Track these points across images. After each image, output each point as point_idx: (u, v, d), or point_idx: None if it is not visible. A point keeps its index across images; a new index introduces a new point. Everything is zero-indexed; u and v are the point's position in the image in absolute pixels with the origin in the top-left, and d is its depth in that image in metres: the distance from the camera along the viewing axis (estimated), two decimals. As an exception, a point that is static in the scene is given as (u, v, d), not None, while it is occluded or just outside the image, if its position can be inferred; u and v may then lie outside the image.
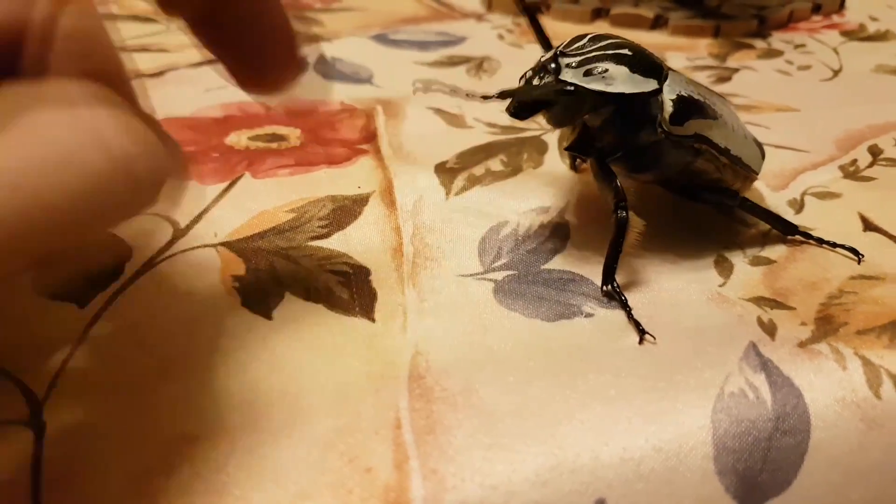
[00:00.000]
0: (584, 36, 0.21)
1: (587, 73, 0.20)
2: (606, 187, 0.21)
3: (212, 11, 0.16)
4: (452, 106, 0.31)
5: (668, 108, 0.21)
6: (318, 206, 0.24)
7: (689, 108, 0.21)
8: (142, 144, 0.13)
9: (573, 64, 0.20)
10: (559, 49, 0.21)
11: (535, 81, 0.20)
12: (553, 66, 0.20)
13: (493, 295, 0.21)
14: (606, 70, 0.20)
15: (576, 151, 0.22)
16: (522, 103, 0.20)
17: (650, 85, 0.20)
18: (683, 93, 0.21)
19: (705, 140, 0.21)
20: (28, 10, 0.15)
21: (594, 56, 0.20)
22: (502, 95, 0.19)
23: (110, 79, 0.16)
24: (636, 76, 0.20)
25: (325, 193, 0.25)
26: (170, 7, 0.16)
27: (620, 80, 0.20)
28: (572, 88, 0.19)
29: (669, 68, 0.22)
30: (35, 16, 0.15)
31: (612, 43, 0.21)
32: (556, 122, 0.22)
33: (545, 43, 0.22)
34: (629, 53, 0.20)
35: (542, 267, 0.22)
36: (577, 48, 0.20)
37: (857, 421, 0.17)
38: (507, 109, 0.21)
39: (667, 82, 0.21)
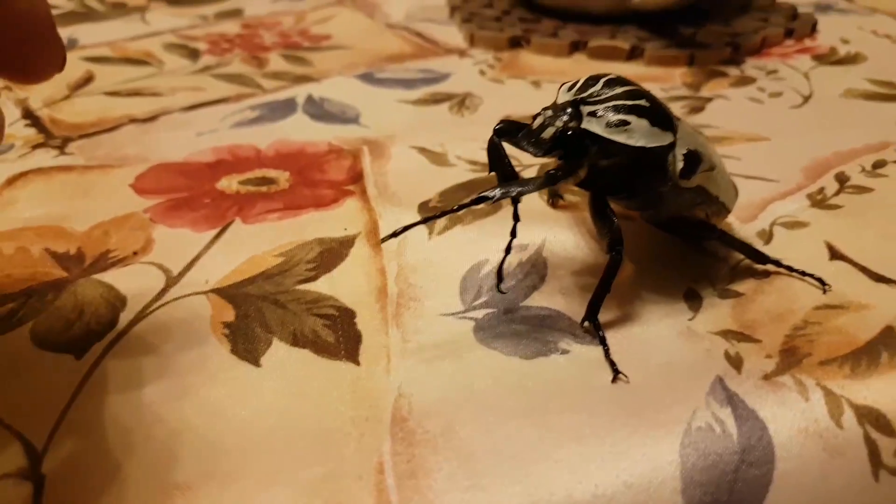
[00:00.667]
0: (598, 79, 0.21)
1: (609, 125, 0.20)
2: (605, 227, 0.22)
3: None
4: (435, 144, 0.32)
5: (679, 162, 0.21)
6: (305, 249, 0.25)
7: (696, 162, 0.22)
8: None
9: (597, 113, 0.20)
10: (577, 94, 0.21)
11: (558, 123, 0.20)
12: (571, 111, 0.21)
13: (473, 333, 0.22)
14: (628, 123, 0.20)
15: (579, 186, 0.23)
16: (540, 141, 0.20)
17: (668, 139, 0.21)
18: (692, 147, 0.22)
19: (704, 191, 0.23)
20: None
21: (614, 106, 0.20)
22: (548, 181, 0.20)
23: None
24: (656, 129, 0.21)
25: (313, 236, 0.26)
26: None
27: (641, 134, 0.20)
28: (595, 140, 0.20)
29: (676, 117, 0.23)
30: None
31: (628, 91, 0.21)
32: (567, 163, 0.22)
33: (508, 172, 0.22)
34: (648, 105, 0.21)
35: (521, 304, 0.23)
36: (595, 94, 0.21)
37: (819, 451, 0.18)
38: (526, 147, 0.21)
39: (678, 135, 0.22)
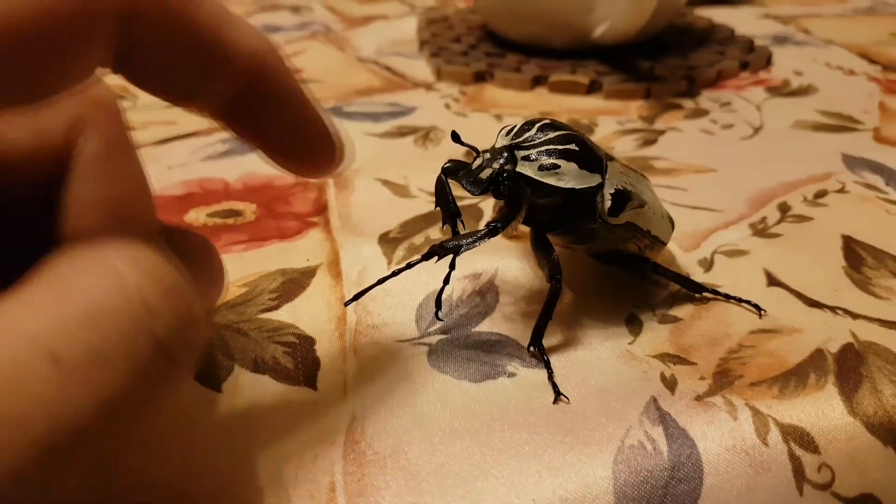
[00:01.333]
0: (534, 124, 0.23)
1: (541, 168, 0.22)
2: (544, 259, 0.23)
3: (235, 107, 0.16)
4: (399, 177, 0.34)
5: (607, 201, 0.23)
6: (268, 279, 0.27)
7: (623, 201, 0.23)
8: (176, 309, 0.14)
9: (530, 157, 0.22)
10: (513, 139, 0.23)
11: (495, 165, 0.22)
12: (507, 154, 0.22)
13: (426, 358, 0.23)
14: (559, 166, 0.22)
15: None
16: (478, 181, 0.22)
17: (595, 180, 0.23)
18: (619, 186, 0.23)
19: (634, 227, 0.24)
20: (46, 134, 0.16)
21: (546, 150, 0.22)
22: (495, 229, 0.22)
23: (131, 203, 0.17)
24: (584, 171, 0.22)
25: (276, 267, 0.27)
26: (190, 103, 0.16)
27: (570, 176, 0.22)
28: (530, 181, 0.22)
29: (607, 156, 0.24)
30: (52, 140, 0.16)
31: (560, 136, 0.22)
32: (506, 212, 0.23)
33: (451, 209, 0.24)
34: (577, 149, 0.22)
35: (473, 329, 0.24)
36: (529, 139, 0.22)
37: (745, 466, 0.20)
38: (465, 185, 0.22)
39: (607, 175, 0.23)
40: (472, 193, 0.22)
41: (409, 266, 0.22)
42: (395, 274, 0.22)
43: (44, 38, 0.13)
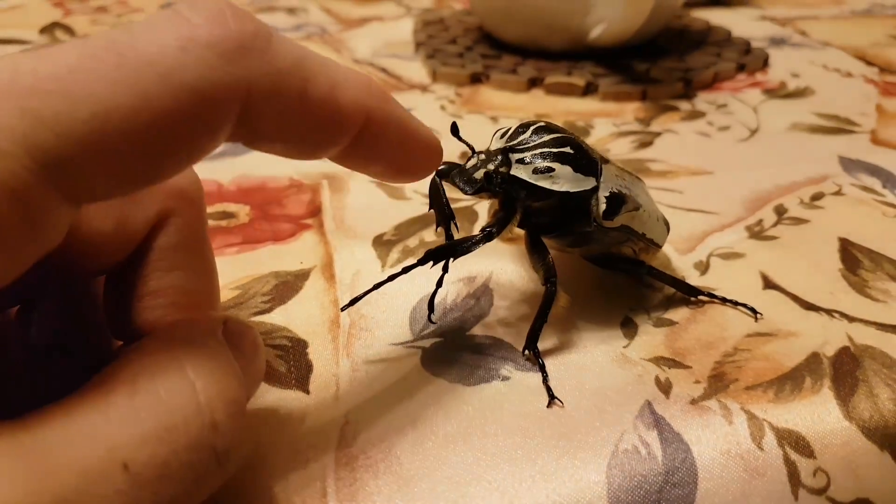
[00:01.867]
0: (528, 126, 0.23)
1: (536, 171, 0.22)
2: (539, 262, 0.23)
3: (347, 152, 0.17)
4: (393, 178, 0.34)
5: (602, 204, 0.23)
6: (261, 282, 0.26)
7: (618, 204, 0.23)
8: (236, 422, 0.15)
9: (524, 160, 0.22)
10: (507, 141, 0.23)
11: (489, 166, 0.22)
12: (501, 157, 0.22)
13: (420, 362, 0.23)
14: (553, 170, 0.22)
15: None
16: (472, 180, 0.22)
17: (589, 183, 0.22)
18: (615, 189, 0.23)
19: (629, 230, 0.24)
20: (130, 226, 0.17)
21: (541, 153, 0.22)
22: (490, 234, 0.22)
23: (202, 295, 0.18)
24: (579, 175, 0.22)
25: (269, 270, 0.27)
26: (306, 159, 0.17)
27: (565, 179, 0.22)
28: (525, 185, 0.22)
29: (603, 159, 0.24)
30: (134, 232, 0.17)
31: (555, 139, 0.22)
32: (501, 217, 0.23)
33: (446, 211, 0.24)
34: (572, 152, 0.22)
35: (467, 333, 0.24)
36: (524, 141, 0.22)
37: (740, 471, 0.19)
38: (458, 184, 0.22)
39: (602, 178, 0.23)
40: (466, 192, 0.22)
41: (405, 271, 0.22)
42: (390, 279, 0.22)
43: (170, 131, 0.13)
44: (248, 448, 0.16)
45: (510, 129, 0.23)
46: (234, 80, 0.14)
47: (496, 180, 0.22)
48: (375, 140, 0.17)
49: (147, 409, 0.13)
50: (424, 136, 0.18)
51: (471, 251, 0.22)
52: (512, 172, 0.22)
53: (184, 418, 0.14)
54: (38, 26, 0.58)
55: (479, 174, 0.22)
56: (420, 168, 0.19)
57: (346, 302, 0.22)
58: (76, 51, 0.13)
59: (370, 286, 0.26)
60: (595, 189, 0.23)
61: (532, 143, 0.22)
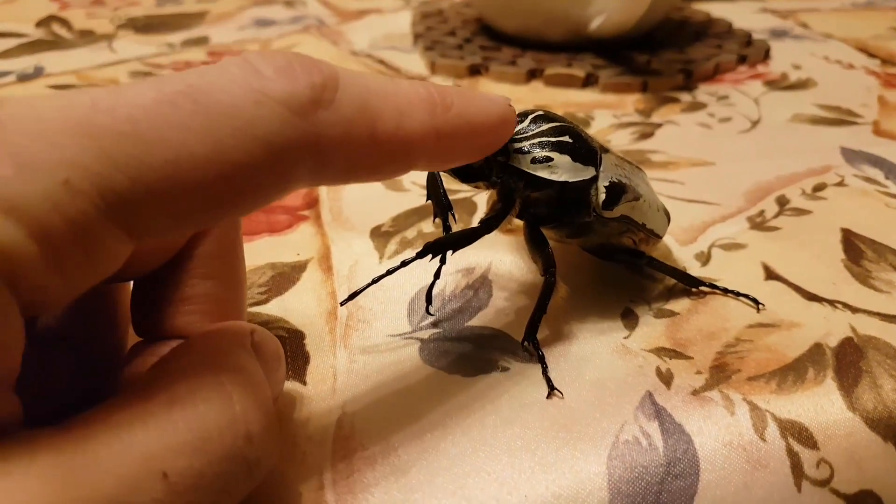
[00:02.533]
0: (526, 115, 0.22)
1: (534, 160, 0.21)
2: (538, 253, 0.23)
3: (428, 163, 0.17)
4: (391, 169, 0.33)
5: (602, 194, 0.22)
6: (258, 273, 0.26)
7: (618, 193, 0.23)
8: (269, 434, 0.15)
9: (523, 149, 0.21)
10: None
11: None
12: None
13: (419, 353, 0.23)
14: (552, 159, 0.21)
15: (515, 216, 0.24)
16: (469, 170, 0.22)
17: (589, 173, 0.22)
18: (614, 178, 0.23)
19: (629, 220, 0.24)
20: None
21: (539, 142, 0.21)
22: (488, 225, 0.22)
23: (235, 302, 0.19)
24: (578, 164, 0.22)
25: (266, 261, 0.27)
26: (387, 178, 0.17)
27: (564, 169, 0.21)
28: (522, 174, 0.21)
29: (602, 148, 0.24)
30: (177, 242, 0.18)
31: (553, 128, 0.22)
32: (498, 196, 0.23)
33: (443, 202, 0.23)
34: (571, 141, 0.22)
35: (466, 324, 0.24)
36: (522, 130, 0.22)
37: (742, 462, 0.19)
38: (455, 175, 0.22)
39: (601, 167, 0.23)
40: (463, 182, 0.22)
41: (404, 264, 0.21)
42: (388, 273, 0.21)
43: (240, 181, 0.13)
44: (276, 457, 0.15)
45: (509, 100, 0.23)
46: (305, 135, 0.14)
47: (494, 170, 0.21)
48: (448, 145, 0.17)
49: (185, 420, 0.13)
50: (493, 113, 0.18)
51: (470, 243, 0.22)
52: (510, 162, 0.21)
53: (219, 429, 0.14)
54: (35, 19, 0.57)
55: (476, 164, 0.21)
56: (495, 144, 0.19)
57: (346, 296, 0.22)
58: (152, 93, 0.13)
59: (368, 278, 0.26)
60: (594, 179, 0.22)
61: (530, 133, 0.22)
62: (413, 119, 0.16)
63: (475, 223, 0.29)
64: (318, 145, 0.14)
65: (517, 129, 0.22)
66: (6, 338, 0.12)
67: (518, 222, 0.24)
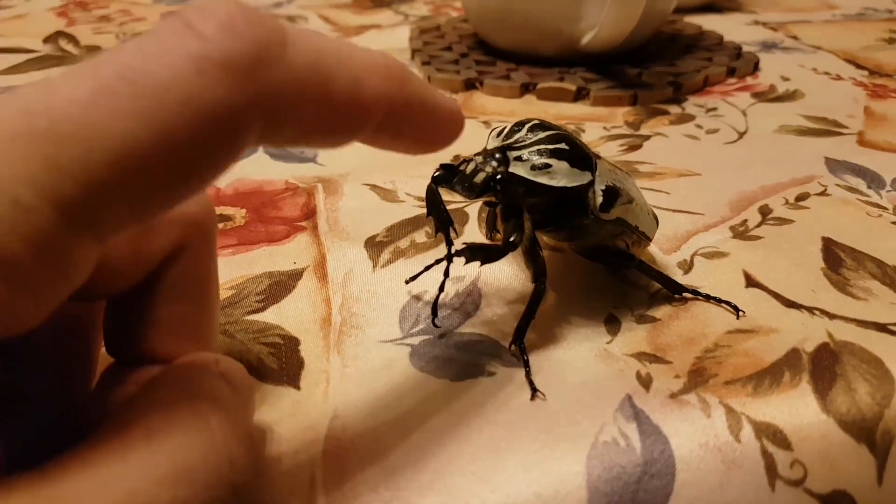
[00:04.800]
0: (524, 124, 0.23)
1: (533, 168, 0.22)
2: (531, 260, 0.23)
3: (375, 133, 0.17)
4: (387, 181, 0.34)
5: (599, 197, 0.23)
6: (255, 282, 0.27)
7: (614, 196, 0.24)
8: (251, 456, 0.15)
9: (522, 157, 0.22)
10: (504, 140, 0.23)
11: (488, 168, 0.22)
12: (499, 156, 0.23)
13: (409, 358, 0.23)
14: (550, 165, 0.22)
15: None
16: (473, 186, 0.22)
17: (586, 178, 0.23)
18: (610, 183, 0.24)
19: (624, 222, 0.25)
20: (145, 255, 0.17)
21: (537, 150, 0.22)
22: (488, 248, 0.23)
23: (206, 325, 0.19)
24: (575, 170, 0.23)
25: (263, 270, 0.28)
26: (334, 145, 0.17)
27: (562, 175, 0.22)
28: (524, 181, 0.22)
29: (596, 155, 0.25)
30: (148, 262, 0.17)
31: (550, 136, 0.23)
32: (514, 224, 0.24)
33: (444, 217, 0.24)
34: (567, 148, 0.23)
35: (456, 330, 0.25)
36: (520, 139, 0.23)
37: (717, 463, 0.20)
38: (460, 191, 0.23)
39: (597, 172, 0.24)
40: (467, 198, 0.22)
41: (438, 262, 0.22)
42: (437, 262, 0.23)
43: (191, 157, 0.13)
44: (258, 480, 0.16)
45: (506, 127, 0.24)
46: (253, 98, 0.13)
47: (496, 182, 0.22)
48: (399, 121, 0.16)
49: (165, 452, 0.13)
50: (446, 108, 0.18)
51: (498, 259, 0.23)
52: (510, 170, 0.22)
53: (202, 457, 0.14)
54: (42, 35, 0.59)
55: (480, 178, 0.22)
56: (444, 138, 0.18)
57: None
58: (87, 83, 0.12)
59: (362, 286, 0.27)
60: (591, 183, 0.23)
61: (528, 141, 0.23)
62: (368, 84, 0.15)
63: (468, 234, 0.30)
64: (267, 106, 0.13)
65: (516, 137, 0.23)
66: None
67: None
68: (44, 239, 0.12)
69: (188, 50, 0.12)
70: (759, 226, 0.31)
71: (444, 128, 0.18)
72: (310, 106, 0.14)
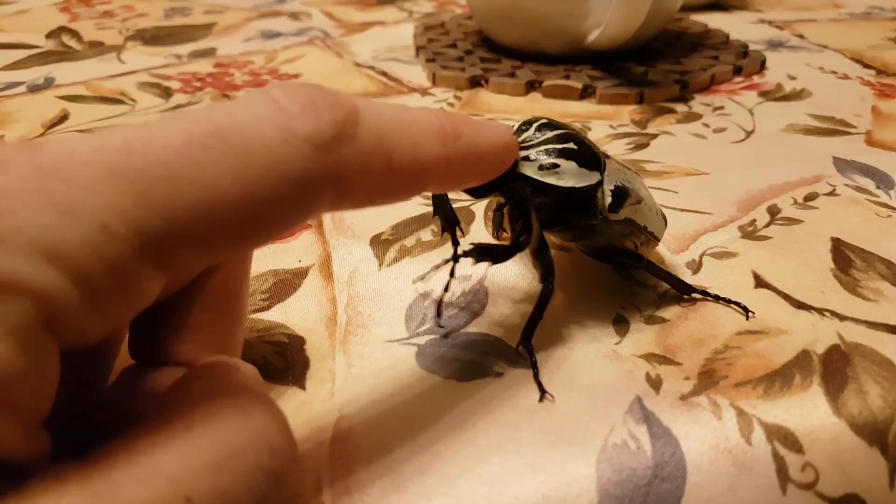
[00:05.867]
0: (531, 124, 0.23)
1: (541, 168, 0.22)
2: (539, 260, 0.23)
3: (436, 186, 0.18)
4: (391, 179, 0.34)
5: (608, 197, 0.23)
6: (260, 280, 0.27)
7: (623, 196, 0.23)
8: (291, 445, 0.15)
9: (529, 157, 0.22)
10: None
11: None
12: None
13: (415, 358, 0.23)
14: (559, 165, 0.22)
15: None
16: (480, 186, 0.22)
17: (595, 178, 0.23)
18: (619, 183, 0.24)
19: (632, 223, 0.24)
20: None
21: (545, 150, 0.22)
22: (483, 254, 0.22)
23: (236, 333, 0.19)
24: (584, 170, 0.22)
25: (268, 268, 0.27)
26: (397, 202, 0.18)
27: (570, 175, 0.22)
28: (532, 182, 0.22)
29: (605, 155, 0.24)
30: (187, 277, 0.18)
31: (558, 135, 0.23)
32: (523, 224, 0.24)
33: (450, 217, 0.24)
34: (576, 148, 0.22)
35: (462, 330, 0.24)
36: (528, 139, 0.23)
37: (728, 465, 0.20)
38: (466, 190, 0.22)
39: (606, 172, 0.23)
40: (475, 198, 0.22)
41: (446, 262, 0.22)
42: (446, 262, 0.22)
43: (267, 216, 0.14)
44: (298, 469, 0.16)
45: (513, 126, 0.23)
46: (328, 169, 0.15)
47: (502, 181, 0.22)
48: (458, 172, 0.18)
49: (206, 439, 0.14)
50: (500, 143, 0.19)
51: (507, 259, 0.23)
52: (518, 170, 0.22)
53: (241, 445, 0.14)
54: (45, 31, 0.58)
55: None
56: (499, 170, 0.20)
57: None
58: (183, 134, 0.13)
59: (367, 285, 0.27)
60: (600, 183, 0.23)
61: (536, 140, 0.22)
62: (426, 149, 0.17)
63: (474, 233, 0.30)
64: (339, 178, 0.15)
65: (523, 136, 0.23)
66: (44, 380, 0.12)
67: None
68: (122, 265, 0.13)
69: (275, 122, 0.14)
70: (767, 225, 0.30)
71: (499, 160, 0.20)
72: (375, 175, 0.16)
